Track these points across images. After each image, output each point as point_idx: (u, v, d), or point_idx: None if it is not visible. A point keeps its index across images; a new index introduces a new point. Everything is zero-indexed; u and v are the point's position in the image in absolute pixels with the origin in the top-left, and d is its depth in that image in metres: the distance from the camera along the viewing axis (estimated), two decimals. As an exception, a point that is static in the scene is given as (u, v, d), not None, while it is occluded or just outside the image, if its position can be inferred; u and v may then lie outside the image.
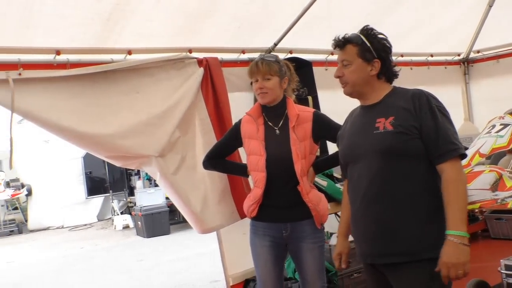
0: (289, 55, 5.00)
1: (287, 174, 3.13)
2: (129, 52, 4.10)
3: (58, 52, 3.76)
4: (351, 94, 2.60)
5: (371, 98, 2.55)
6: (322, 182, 4.59)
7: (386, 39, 2.58)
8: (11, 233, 13.40)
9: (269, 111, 3.24)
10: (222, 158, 3.56)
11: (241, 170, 3.48)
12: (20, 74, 3.62)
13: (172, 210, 11.29)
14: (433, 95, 2.50)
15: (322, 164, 3.45)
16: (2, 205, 13.74)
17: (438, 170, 2.39)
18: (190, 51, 4.43)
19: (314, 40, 5.13)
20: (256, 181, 3.22)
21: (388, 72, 2.56)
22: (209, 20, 4.24)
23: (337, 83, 5.41)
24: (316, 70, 5.24)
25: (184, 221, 11.66)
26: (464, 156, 2.44)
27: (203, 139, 4.42)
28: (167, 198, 11.22)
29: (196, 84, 4.40)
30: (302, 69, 4.81)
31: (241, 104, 4.70)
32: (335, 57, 5.34)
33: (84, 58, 3.94)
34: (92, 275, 7.71)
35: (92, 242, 10.84)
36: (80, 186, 14.03)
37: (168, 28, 4.17)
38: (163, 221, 10.91)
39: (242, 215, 4.51)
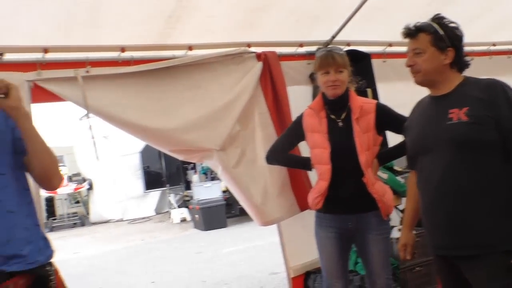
0: (347, 48, 4.98)
1: (351, 166, 3.13)
2: (190, 48, 4.19)
3: (123, 50, 3.88)
4: (422, 83, 2.58)
5: (443, 88, 2.54)
6: (383, 175, 4.56)
7: (457, 28, 2.56)
8: (74, 225, 13.85)
9: (332, 103, 3.24)
10: (285, 152, 3.58)
11: (304, 164, 3.49)
12: (87, 71, 3.77)
13: (228, 203, 11.41)
14: (508, 85, 2.46)
15: (386, 156, 3.44)
16: (65, 199, 14.20)
17: None
18: (249, 45, 4.48)
19: (371, 32, 5.09)
20: (321, 174, 3.23)
21: (460, 61, 2.54)
22: (267, 14, 4.26)
23: (395, 75, 5.43)
24: (374, 62, 5.20)
25: (241, 214, 11.87)
26: None
27: (263, 133, 4.46)
28: (223, 191, 11.35)
29: (255, 78, 4.45)
30: (361, 61, 4.79)
31: (299, 98, 4.73)
32: (393, 49, 5.40)
33: (147, 55, 4.06)
34: (153, 266, 7.91)
35: (151, 235, 11.10)
36: (138, 181, 14.32)
37: (228, 23, 4.21)
38: (220, 215, 11.04)
39: (302, 208, 4.55)
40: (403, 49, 5.43)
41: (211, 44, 4.31)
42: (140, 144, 13.82)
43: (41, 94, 3.64)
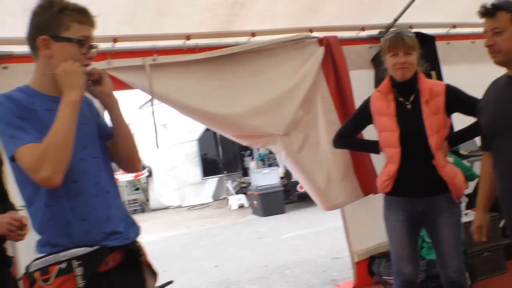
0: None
1: (421, 149, 3.09)
2: (253, 34, 4.24)
3: (188, 37, 3.97)
4: (504, 63, 2.51)
5: None
6: (449, 159, 4.48)
7: None
8: (134, 212, 14.20)
9: (400, 86, 3.19)
10: (352, 136, 3.57)
11: (373, 147, 3.46)
12: (154, 60, 3.87)
13: (286, 189, 11.45)
14: None
15: (457, 138, 3.38)
16: (125, 186, 14.57)
17: None
18: (311, 30, 4.49)
19: (434, 14, 5.00)
20: (390, 157, 3.21)
21: None
22: (329, -1, 4.26)
23: (460, 58, 5.30)
24: (437, 44, 5.10)
25: (298, 200, 11.89)
26: None
27: (325, 118, 4.47)
28: (281, 177, 11.40)
29: (317, 63, 4.46)
30: (425, 44, 4.71)
31: (361, 82, 4.71)
32: (457, 31, 5.27)
33: (211, 42, 4.14)
34: (216, 250, 8.04)
35: (211, 221, 11.27)
36: (195, 168, 14.54)
37: (291, 9, 4.23)
38: (278, 200, 11.08)
39: (366, 193, 4.55)
40: (467, 30, 5.39)
41: (273, 30, 4.33)
42: (197, 131, 14.04)
43: (112, 82, 3.76)
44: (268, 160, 12.40)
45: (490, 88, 2.73)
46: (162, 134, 13.99)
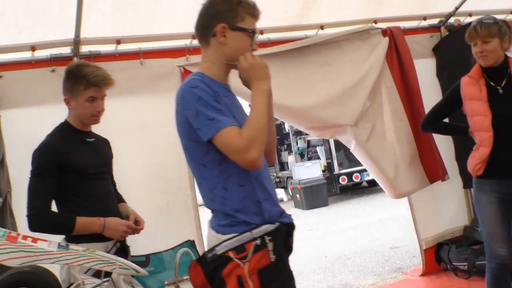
0: (468, 18, 4.94)
1: None
2: (321, 27, 4.33)
3: (261, 32, 4.05)
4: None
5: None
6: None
7: None
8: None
9: (491, 72, 3.23)
10: (441, 120, 3.61)
11: (462, 131, 3.51)
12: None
13: (329, 182, 11.52)
14: None
15: None
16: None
17: None
18: (375, 21, 4.56)
19: (494, 1, 5.02)
20: (482, 141, 3.25)
21: None
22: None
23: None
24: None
25: (341, 192, 11.93)
26: None
27: (390, 107, 4.54)
28: (323, 171, 11.48)
29: (383, 54, 4.52)
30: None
31: (423, 71, 4.77)
32: (515, 16, 5.27)
33: (282, 36, 4.22)
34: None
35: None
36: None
37: (359, 1, 4.30)
38: (322, 193, 11.17)
39: (432, 180, 4.60)
40: (524, 16, 5.38)
41: (340, 22, 4.41)
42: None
43: (190, 78, 3.88)
44: (308, 154, 12.49)
45: None
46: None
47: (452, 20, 4.93)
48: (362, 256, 6.26)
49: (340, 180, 11.26)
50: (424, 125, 3.63)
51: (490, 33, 3.12)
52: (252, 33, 2.04)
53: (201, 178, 1.99)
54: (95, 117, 2.71)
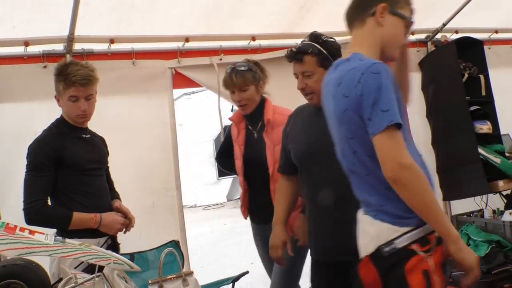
0: (455, 35, 5.05)
1: (263, 178, 3.12)
2: (312, 36, 4.37)
3: (253, 38, 4.11)
4: (316, 102, 2.59)
5: None
6: (496, 159, 4.61)
7: (334, 41, 2.65)
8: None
9: (250, 116, 3.24)
10: (231, 157, 3.44)
11: None
12: (221, 59, 4.02)
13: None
14: None
15: None
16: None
17: None
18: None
19: (480, 19, 5.13)
20: (241, 184, 3.32)
21: None
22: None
23: (500, 62, 5.40)
24: (481, 49, 5.22)
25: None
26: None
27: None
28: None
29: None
30: (473, 48, 4.85)
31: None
32: (498, 36, 5.40)
33: (274, 43, 4.27)
34: (247, 248, 8.09)
35: (232, 220, 11.38)
36: (211, 168, 14.68)
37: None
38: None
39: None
40: (509, 35, 5.51)
41: (331, 33, 4.43)
42: (213, 132, 14.17)
43: (181, 80, 3.94)
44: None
45: (296, 115, 2.84)
46: (179, 134, 14.23)
47: (439, 36, 5.02)
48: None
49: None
50: (218, 160, 3.71)
51: (245, 81, 3.11)
52: (408, 23, 2.03)
53: (368, 169, 1.89)
54: (81, 116, 2.72)
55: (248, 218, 3.40)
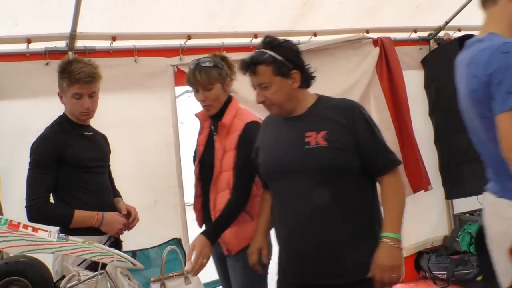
0: (457, 33, 5.04)
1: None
2: (315, 34, 4.38)
3: (255, 36, 4.09)
4: (281, 114, 2.39)
5: (297, 110, 2.37)
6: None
7: (291, 43, 2.40)
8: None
9: (214, 115, 2.92)
10: None
11: None
12: (222, 57, 4.00)
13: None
14: (363, 107, 2.40)
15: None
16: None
17: (379, 181, 2.33)
18: (367, 31, 4.63)
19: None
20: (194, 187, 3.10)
21: (307, 78, 2.39)
22: (390, 1, 4.39)
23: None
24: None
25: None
26: (400, 162, 2.38)
27: (378, 116, 4.59)
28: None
29: (373, 63, 4.61)
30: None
31: (412, 82, 4.85)
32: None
33: (276, 41, 4.25)
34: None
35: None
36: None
37: (353, 10, 4.36)
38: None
39: (415, 189, 4.67)
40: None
41: (333, 31, 4.47)
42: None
43: (183, 77, 3.86)
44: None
45: (265, 127, 2.62)
46: (181, 131, 14.22)
47: (441, 33, 5.01)
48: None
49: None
50: None
51: (210, 79, 2.77)
52: None
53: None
54: (84, 114, 2.71)
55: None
